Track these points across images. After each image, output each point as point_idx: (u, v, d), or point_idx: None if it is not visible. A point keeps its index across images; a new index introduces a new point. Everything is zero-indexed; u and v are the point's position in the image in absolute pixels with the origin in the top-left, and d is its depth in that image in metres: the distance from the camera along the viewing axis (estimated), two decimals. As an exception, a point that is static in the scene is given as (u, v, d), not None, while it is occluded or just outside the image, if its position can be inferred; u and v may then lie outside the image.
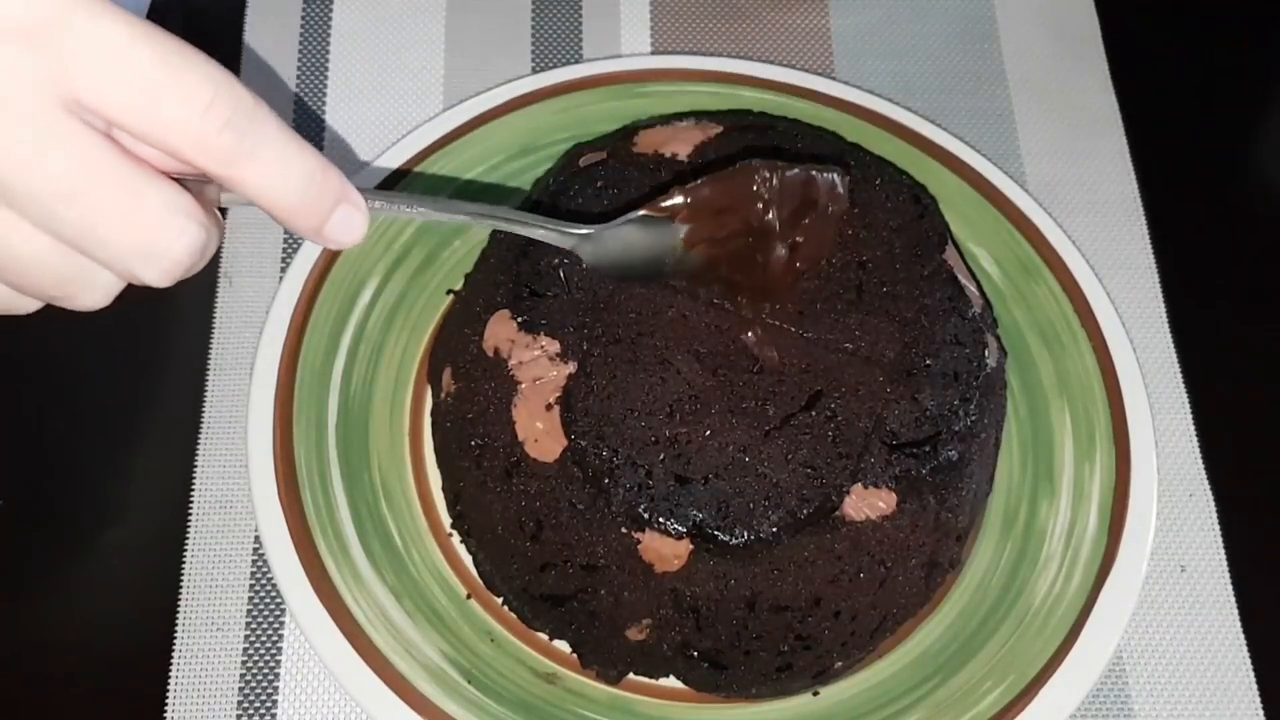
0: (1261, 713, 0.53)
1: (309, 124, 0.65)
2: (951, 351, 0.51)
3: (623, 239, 0.47)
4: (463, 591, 0.53)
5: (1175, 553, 0.57)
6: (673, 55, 0.67)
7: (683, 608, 0.48)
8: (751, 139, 0.55)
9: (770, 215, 0.49)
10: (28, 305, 0.36)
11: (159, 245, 0.33)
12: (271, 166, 0.34)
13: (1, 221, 0.32)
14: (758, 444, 0.47)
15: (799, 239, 0.50)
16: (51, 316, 0.60)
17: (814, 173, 0.49)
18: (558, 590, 0.50)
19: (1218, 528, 0.57)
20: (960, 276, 0.54)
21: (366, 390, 0.56)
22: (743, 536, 0.46)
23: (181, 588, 0.53)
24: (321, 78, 0.67)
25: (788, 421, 0.48)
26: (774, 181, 0.48)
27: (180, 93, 0.32)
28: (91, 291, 0.35)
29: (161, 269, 0.34)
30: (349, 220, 0.36)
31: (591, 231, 0.46)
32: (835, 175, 0.49)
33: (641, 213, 0.47)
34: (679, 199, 0.47)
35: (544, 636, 0.52)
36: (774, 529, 0.46)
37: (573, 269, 0.51)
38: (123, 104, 0.31)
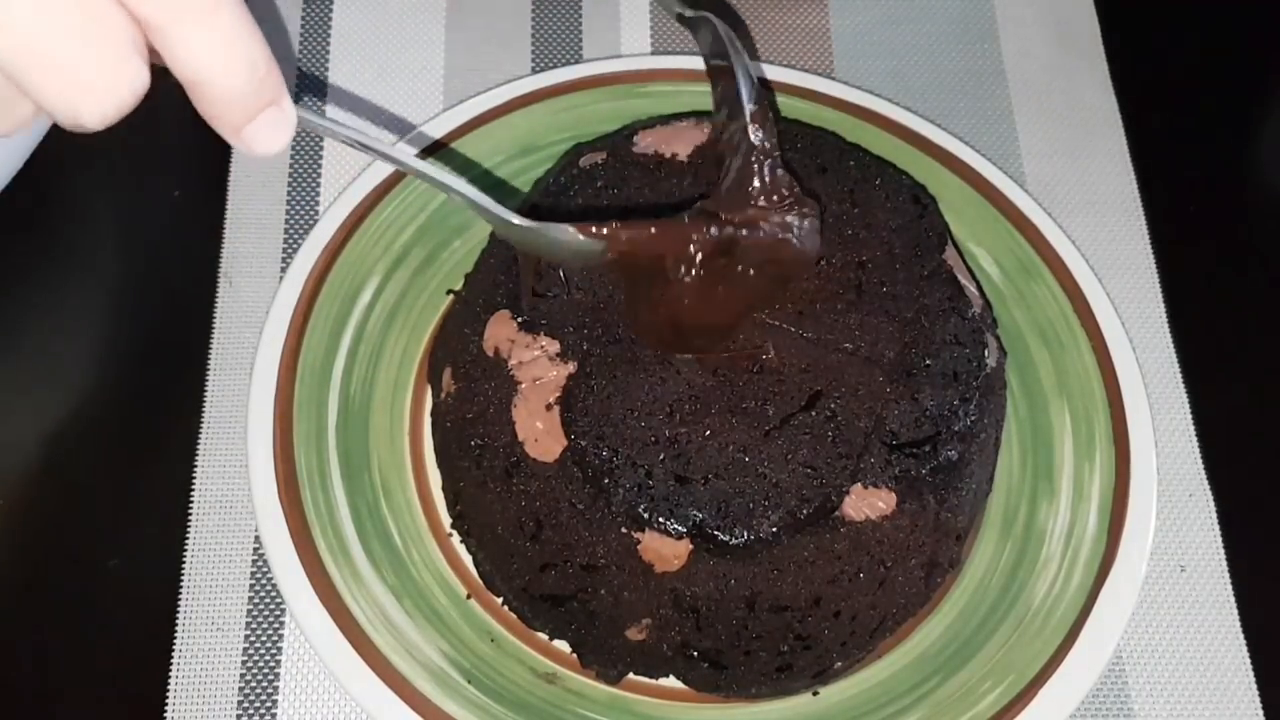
0: (1261, 713, 0.53)
1: (309, 124, 0.65)
2: (951, 351, 0.51)
3: (551, 241, 0.45)
4: (463, 591, 0.53)
5: (1175, 553, 0.57)
6: (673, 55, 0.67)
7: (682, 608, 0.48)
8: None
9: (690, 275, 0.47)
10: None
11: (93, 95, 0.30)
12: (219, 37, 0.31)
13: None
14: (758, 444, 0.47)
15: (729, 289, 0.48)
16: (52, 316, 0.60)
17: (789, 236, 0.47)
18: (558, 590, 0.50)
19: (1217, 528, 0.57)
20: (960, 276, 0.54)
21: (366, 390, 0.56)
22: (743, 536, 0.46)
23: (181, 588, 0.53)
24: (321, 78, 0.67)
25: (787, 421, 0.48)
26: (705, 240, 0.46)
27: None
28: (8, 117, 0.32)
29: (84, 123, 0.31)
30: (275, 125, 0.33)
31: (526, 226, 0.43)
32: (808, 238, 0.48)
33: (572, 229, 0.45)
34: (605, 233, 0.45)
35: (544, 636, 0.52)
36: (774, 529, 0.46)
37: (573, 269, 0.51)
38: None
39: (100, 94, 0.30)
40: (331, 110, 0.66)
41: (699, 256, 0.47)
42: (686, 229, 0.47)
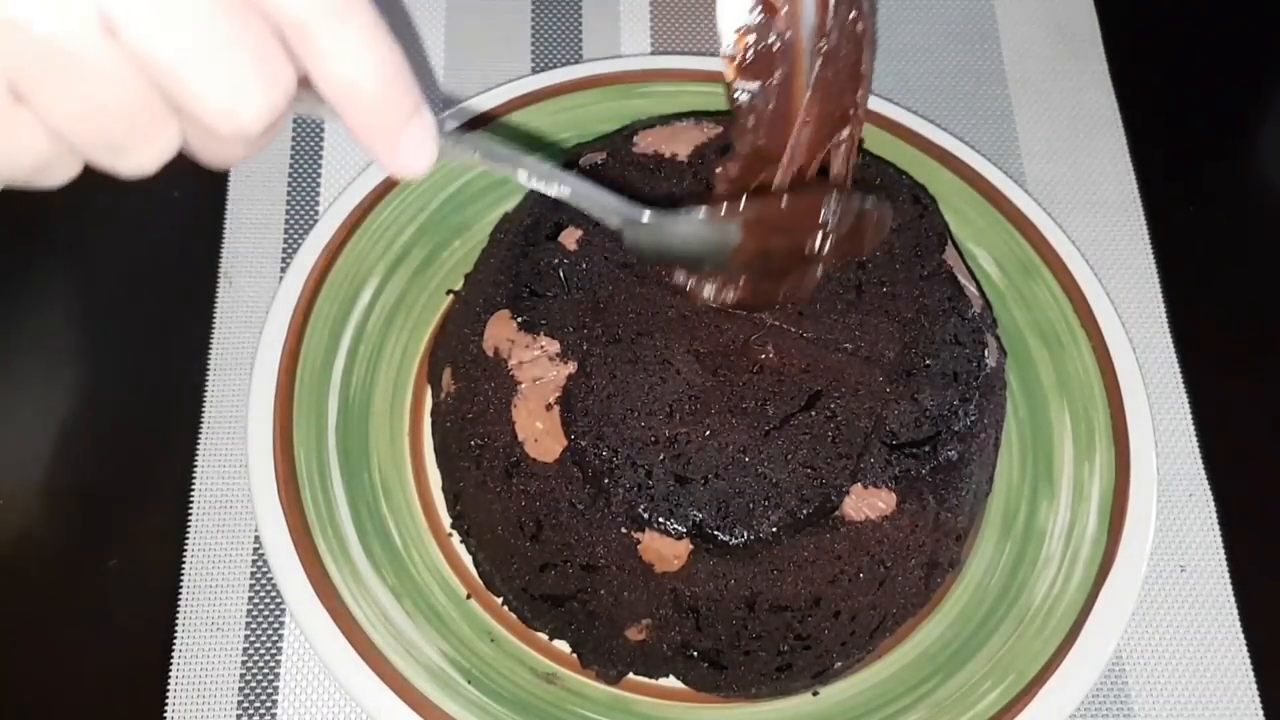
0: (1261, 713, 0.53)
1: (309, 126, 0.65)
2: (951, 351, 0.51)
3: (675, 233, 0.44)
4: (463, 591, 0.53)
5: (1175, 553, 0.57)
6: (673, 55, 0.67)
7: (682, 608, 0.48)
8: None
9: (825, 245, 0.47)
10: (64, 170, 0.31)
11: (250, 95, 0.29)
12: (363, 37, 0.30)
13: (91, 41, 0.28)
14: (757, 444, 0.47)
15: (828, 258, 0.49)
16: (52, 316, 0.60)
17: (869, 207, 0.48)
18: (558, 590, 0.50)
19: (1217, 528, 0.57)
20: (960, 276, 0.54)
21: (366, 390, 0.56)
22: (742, 536, 0.46)
23: (181, 588, 0.53)
24: (321, 78, 0.67)
25: (788, 421, 0.48)
26: (839, 210, 0.46)
27: None
28: (147, 148, 0.30)
29: (241, 125, 0.30)
30: (422, 140, 0.32)
31: (650, 220, 0.43)
32: (886, 209, 0.49)
33: (702, 215, 0.44)
34: (745, 209, 0.44)
35: (544, 636, 0.52)
36: (774, 529, 0.46)
37: (573, 269, 0.51)
38: None
39: (258, 93, 0.29)
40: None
41: (819, 226, 0.46)
42: (811, 199, 0.46)
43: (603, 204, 0.42)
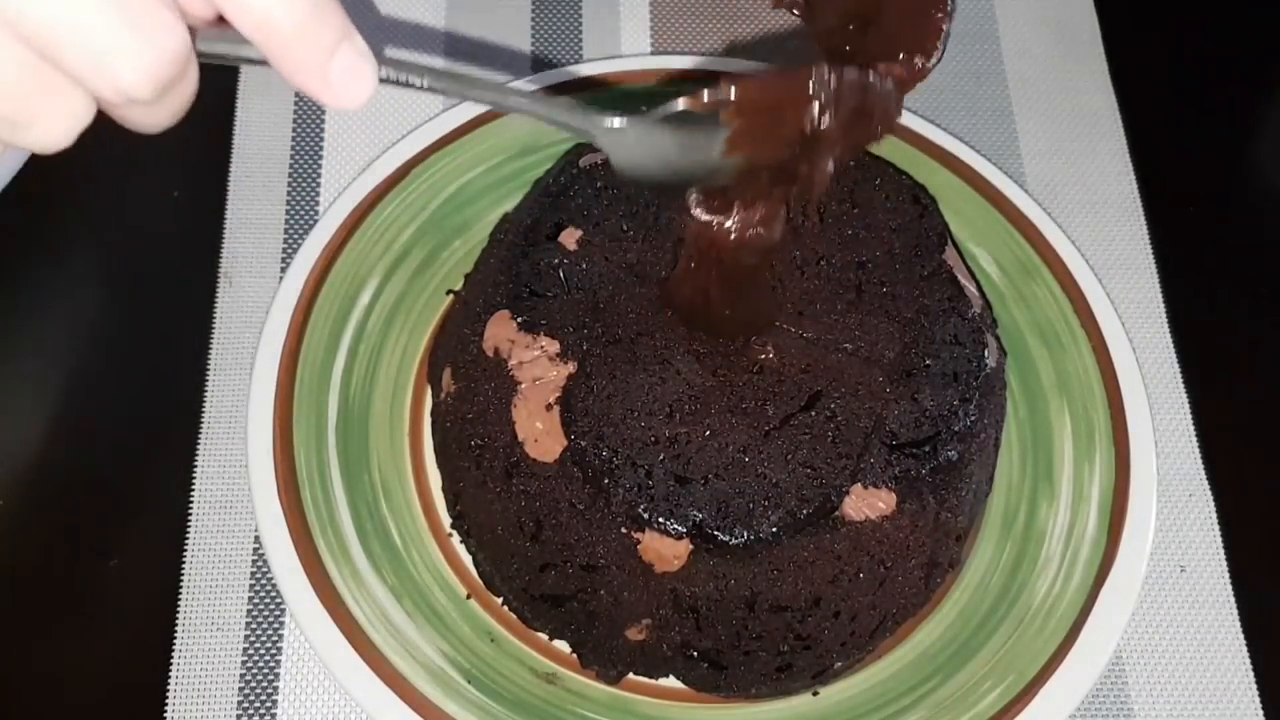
0: (1261, 713, 0.53)
1: (309, 126, 0.65)
2: (951, 351, 0.51)
3: (656, 138, 0.41)
4: (463, 591, 0.53)
5: (1175, 553, 0.57)
6: (673, 55, 0.67)
7: (682, 608, 0.48)
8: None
9: (823, 122, 0.42)
10: None
11: (128, 54, 0.29)
12: None
13: None
14: (757, 444, 0.47)
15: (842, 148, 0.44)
16: (52, 316, 0.60)
17: (871, 79, 0.43)
18: (558, 590, 0.50)
19: (1217, 528, 0.57)
20: (960, 276, 0.54)
21: (366, 390, 0.56)
22: (742, 536, 0.46)
23: (181, 588, 0.53)
24: (321, 78, 0.67)
25: (787, 421, 0.48)
26: (832, 84, 0.42)
27: None
28: (50, 121, 0.30)
29: (125, 87, 0.29)
30: (355, 66, 0.31)
31: (622, 125, 0.40)
32: (892, 86, 0.44)
33: (681, 106, 0.41)
34: (727, 92, 0.41)
35: (544, 636, 0.52)
36: (774, 529, 0.46)
37: (573, 269, 0.51)
38: None
39: (136, 53, 0.29)
40: (331, 110, 0.66)
41: (823, 100, 0.42)
42: (799, 73, 0.42)
43: (572, 120, 0.39)
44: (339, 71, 0.31)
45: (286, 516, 0.52)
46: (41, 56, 0.29)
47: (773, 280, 0.51)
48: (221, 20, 0.31)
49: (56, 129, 0.30)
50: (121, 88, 0.29)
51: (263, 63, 0.32)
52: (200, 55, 0.32)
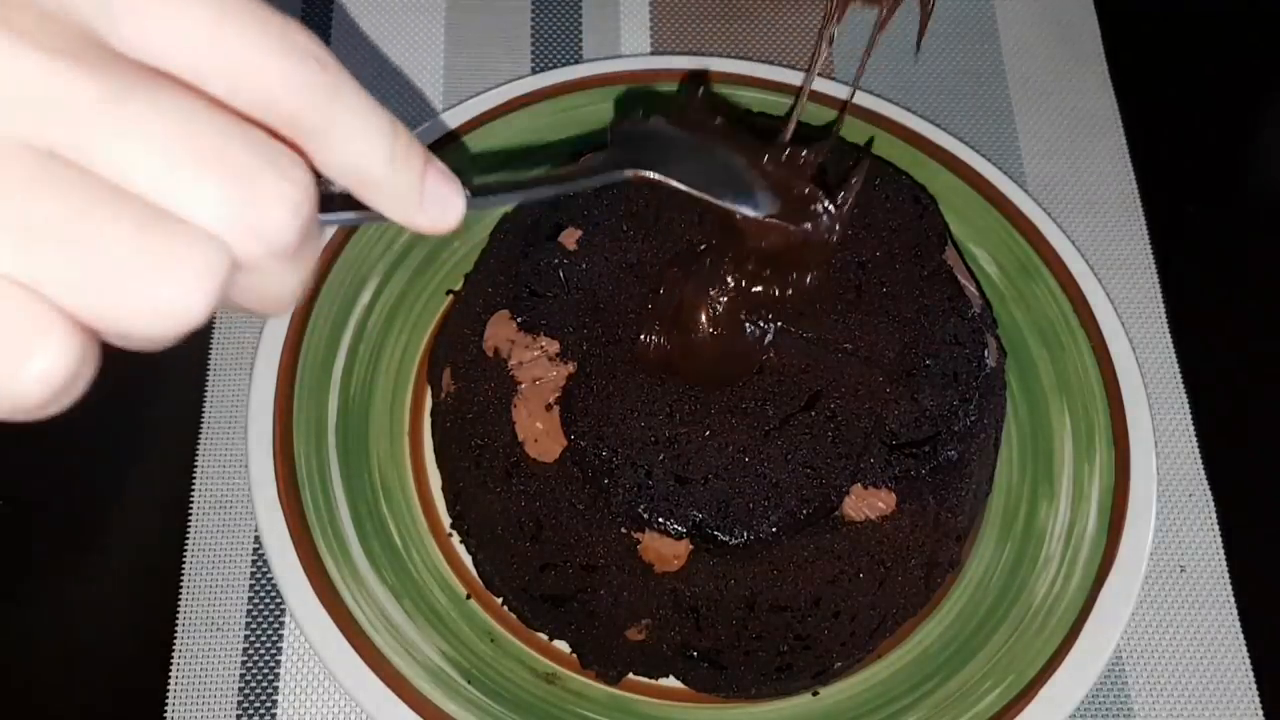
0: (1261, 713, 0.53)
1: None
2: (951, 351, 0.51)
3: (664, 142, 0.39)
4: (463, 591, 0.53)
5: (1175, 553, 0.57)
6: (673, 55, 0.67)
7: (682, 608, 0.48)
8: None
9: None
10: None
11: (283, 171, 0.26)
12: (356, 126, 0.27)
13: None
14: (757, 444, 0.47)
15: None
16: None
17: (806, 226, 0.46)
18: (557, 590, 0.50)
19: (1217, 528, 0.57)
20: (960, 276, 0.54)
21: (366, 390, 0.56)
22: (742, 536, 0.46)
23: (181, 588, 0.53)
24: (321, 78, 0.67)
25: (787, 421, 0.48)
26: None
27: (259, 41, 0.25)
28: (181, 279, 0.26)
29: (290, 199, 0.26)
30: (445, 189, 0.30)
31: (640, 160, 0.37)
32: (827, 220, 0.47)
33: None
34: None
35: (544, 636, 0.52)
36: (774, 529, 0.46)
37: (573, 269, 0.51)
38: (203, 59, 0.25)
39: (276, 181, 0.26)
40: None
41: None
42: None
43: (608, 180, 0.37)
44: (431, 199, 0.30)
45: (286, 517, 0.52)
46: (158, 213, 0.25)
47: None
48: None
49: (186, 292, 0.26)
50: (267, 229, 0.26)
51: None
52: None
